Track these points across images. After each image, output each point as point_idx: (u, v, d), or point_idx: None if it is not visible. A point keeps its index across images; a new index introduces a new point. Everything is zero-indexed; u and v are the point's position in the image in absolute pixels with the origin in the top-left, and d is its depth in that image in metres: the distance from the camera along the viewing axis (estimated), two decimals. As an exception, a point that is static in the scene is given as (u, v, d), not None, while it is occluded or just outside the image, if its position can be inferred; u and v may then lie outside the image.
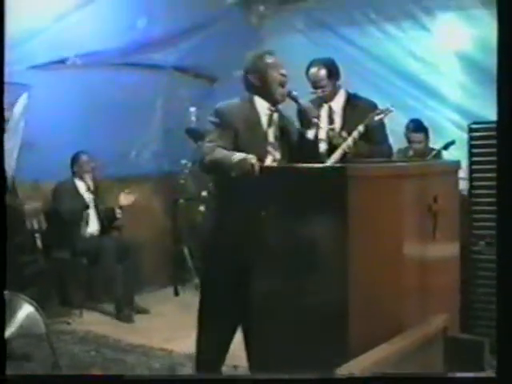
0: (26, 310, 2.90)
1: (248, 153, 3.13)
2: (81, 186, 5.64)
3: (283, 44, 6.44)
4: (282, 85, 3.32)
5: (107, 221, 5.60)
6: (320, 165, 3.05)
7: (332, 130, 4.13)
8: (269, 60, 3.33)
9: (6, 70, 5.08)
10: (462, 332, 3.79)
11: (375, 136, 4.06)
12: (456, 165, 3.30)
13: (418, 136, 5.41)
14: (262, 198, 3.00)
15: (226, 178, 3.12)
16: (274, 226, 2.97)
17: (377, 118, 3.91)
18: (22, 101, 5.38)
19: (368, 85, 5.79)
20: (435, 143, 5.51)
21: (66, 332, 4.92)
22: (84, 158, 5.63)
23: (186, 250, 6.07)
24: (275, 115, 3.37)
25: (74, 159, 5.65)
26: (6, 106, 5.23)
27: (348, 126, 4.03)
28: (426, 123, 5.64)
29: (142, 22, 5.83)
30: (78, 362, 4.32)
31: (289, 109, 3.54)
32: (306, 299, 2.88)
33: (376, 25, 6.22)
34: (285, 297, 2.94)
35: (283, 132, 3.39)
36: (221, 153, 3.17)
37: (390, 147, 4.29)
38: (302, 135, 3.37)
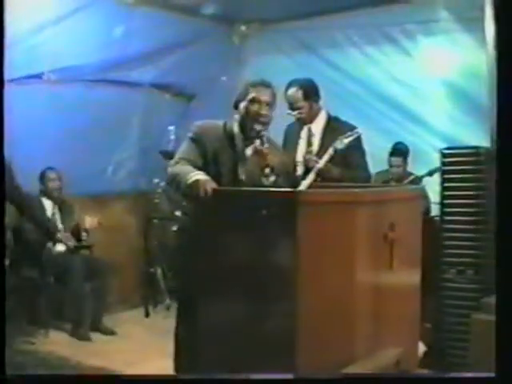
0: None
1: (216, 178, 3.08)
2: (47, 203, 5.54)
3: (265, 64, 6.42)
4: (261, 122, 3.21)
5: (75, 240, 5.48)
6: (271, 189, 2.96)
7: (309, 152, 4.05)
8: (252, 94, 3.23)
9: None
10: (425, 365, 3.73)
11: (351, 160, 3.99)
12: (417, 191, 3.23)
13: (397, 160, 5.36)
14: (217, 222, 2.93)
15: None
16: (224, 250, 2.90)
17: (346, 140, 3.84)
18: (-5, 115, 5.33)
19: (349, 108, 5.74)
20: (416, 168, 5.45)
21: (28, 352, 4.80)
22: (51, 175, 5.52)
23: (159, 271, 5.97)
24: (247, 151, 3.29)
25: (41, 176, 5.54)
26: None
27: (326, 149, 3.95)
28: (406, 148, 5.59)
29: (119, 39, 5.80)
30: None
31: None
32: (254, 327, 2.80)
33: (358, 47, 6.19)
34: (232, 322, 2.87)
35: (250, 170, 3.27)
36: (181, 168, 3.13)
37: (367, 173, 4.19)
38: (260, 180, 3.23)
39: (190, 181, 2.97)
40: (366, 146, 4.12)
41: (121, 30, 5.82)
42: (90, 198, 5.89)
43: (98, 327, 5.30)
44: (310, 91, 4.10)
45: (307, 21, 6.29)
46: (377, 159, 5.57)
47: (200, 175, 3.00)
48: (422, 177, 5.08)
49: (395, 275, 2.90)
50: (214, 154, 3.25)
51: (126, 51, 5.90)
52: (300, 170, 4.05)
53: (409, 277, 3.05)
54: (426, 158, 5.62)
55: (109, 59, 5.81)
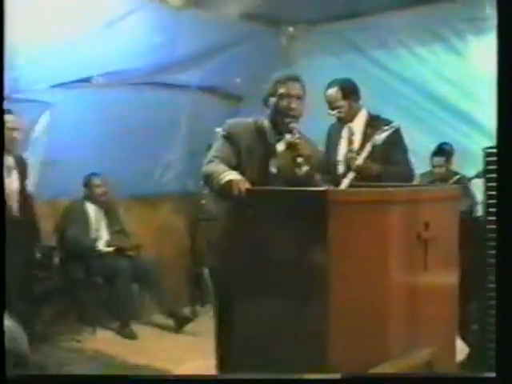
0: (7, 328, 2.84)
1: (248, 178, 3.10)
2: (91, 207, 5.65)
3: (313, 65, 6.41)
4: (291, 116, 3.21)
5: (122, 241, 5.58)
6: (302, 188, 2.95)
7: (350, 151, 4.05)
8: (281, 89, 3.22)
9: (30, 88, 5.24)
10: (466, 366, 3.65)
11: (391, 156, 3.97)
12: (455, 190, 3.17)
13: (438, 160, 5.29)
14: (249, 221, 2.95)
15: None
16: (257, 250, 2.91)
17: (383, 134, 3.81)
18: (45, 118, 5.48)
19: (397, 108, 5.71)
20: (466, 169, 5.35)
21: (74, 350, 4.91)
22: (96, 181, 5.64)
23: (206, 271, 5.99)
24: (280, 145, 3.30)
25: (86, 182, 5.66)
26: (28, 123, 5.36)
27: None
28: (454, 148, 5.50)
29: (167, 42, 5.88)
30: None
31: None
32: (288, 327, 2.80)
33: (406, 47, 6.11)
34: (266, 322, 2.87)
35: (283, 164, 3.28)
36: (214, 168, 3.13)
37: (408, 169, 4.17)
38: (293, 171, 3.23)
39: (224, 181, 2.98)
40: (414, 146, 4.09)
41: (168, 33, 5.91)
42: (138, 199, 5.99)
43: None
44: (349, 90, 4.12)
45: (354, 21, 6.25)
46: (426, 160, 5.54)
47: (233, 175, 3.00)
48: (471, 178, 4.98)
49: (429, 275, 2.85)
50: (247, 151, 3.25)
51: (174, 54, 5.97)
52: (341, 170, 4.04)
53: (444, 277, 2.99)
54: (475, 158, 5.52)
55: (157, 62, 5.88)
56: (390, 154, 3.96)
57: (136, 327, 5.37)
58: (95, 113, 5.62)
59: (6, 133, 4.33)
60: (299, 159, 3.07)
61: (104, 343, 5.07)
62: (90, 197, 5.66)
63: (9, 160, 4.39)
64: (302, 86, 3.28)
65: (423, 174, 5.26)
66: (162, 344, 5.09)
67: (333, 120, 4.30)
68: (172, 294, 5.59)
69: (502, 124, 1.94)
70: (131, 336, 5.24)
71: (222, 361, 3.38)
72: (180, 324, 5.42)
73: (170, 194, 6.21)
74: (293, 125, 3.19)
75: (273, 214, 2.88)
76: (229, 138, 3.29)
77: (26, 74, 5.18)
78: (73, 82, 5.51)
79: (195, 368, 4.24)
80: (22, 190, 4.50)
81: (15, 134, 4.44)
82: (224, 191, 2.98)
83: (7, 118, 4.36)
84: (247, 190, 2.93)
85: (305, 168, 3.07)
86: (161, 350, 4.91)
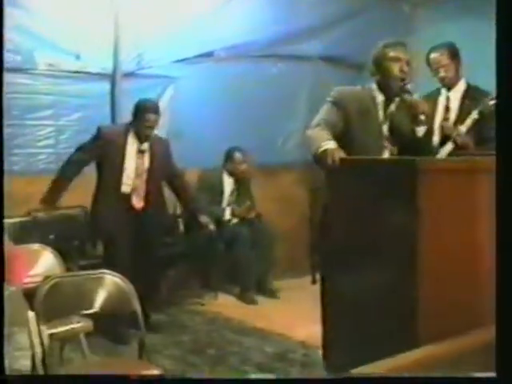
0: (115, 286, 3.08)
1: (360, 143, 3.17)
2: (228, 181, 5.82)
3: (436, 33, 6.25)
4: (401, 79, 3.26)
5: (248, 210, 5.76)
6: (392, 157, 2.97)
7: (446, 119, 3.99)
8: (391, 53, 3.28)
9: (154, 63, 5.51)
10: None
11: (486, 133, 3.81)
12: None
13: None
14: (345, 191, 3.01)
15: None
16: (347, 220, 2.97)
17: (492, 102, 3.71)
18: (169, 92, 5.74)
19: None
20: None
21: (197, 312, 5.18)
22: (238, 156, 5.76)
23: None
24: (391, 108, 3.33)
25: (228, 156, 5.78)
26: (154, 97, 5.63)
27: (463, 117, 3.87)
28: None
29: (287, 13, 5.97)
30: (197, 340, 4.55)
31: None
32: (375, 295, 2.85)
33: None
34: (355, 293, 2.94)
35: (397, 126, 3.33)
36: (316, 134, 3.20)
37: None
38: (413, 131, 3.28)
39: (320, 150, 3.05)
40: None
41: (288, 4, 6.00)
42: (260, 168, 6.13)
43: (265, 290, 5.59)
44: (456, 53, 4.09)
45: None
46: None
47: (330, 144, 3.05)
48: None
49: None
50: (358, 115, 3.30)
51: (294, 25, 6.06)
52: (436, 139, 3.98)
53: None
54: None
55: (277, 34, 6.00)
56: (486, 130, 3.81)
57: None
58: (217, 86, 5.82)
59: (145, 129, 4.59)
60: (421, 116, 3.12)
61: (225, 307, 5.29)
62: (230, 171, 5.80)
63: (144, 145, 4.65)
64: (408, 52, 3.31)
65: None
66: (279, 310, 5.23)
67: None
68: (289, 263, 5.73)
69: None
70: (251, 301, 5.43)
71: (327, 330, 3.46)
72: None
73: (291, 163, 6.31)
74: (407, 86, 3.23)
75: (365, 182, 2.91)
76: (336, 103, 3.35)
77: (150, 50, 5.47)
78: (195, 56, 5.74)
79: (308, 335, 4.35)
80: (151, 168, 4.73)
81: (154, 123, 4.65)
82: (319, 160, 3.05)
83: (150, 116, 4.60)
84: (341, 159, 2.98)
85: (423, 127, 3.13)
86: (277, 315, 5.07)
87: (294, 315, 5.00)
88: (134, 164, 4.61)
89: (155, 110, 4.65)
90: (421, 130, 3.21)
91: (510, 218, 1.76)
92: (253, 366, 4.10)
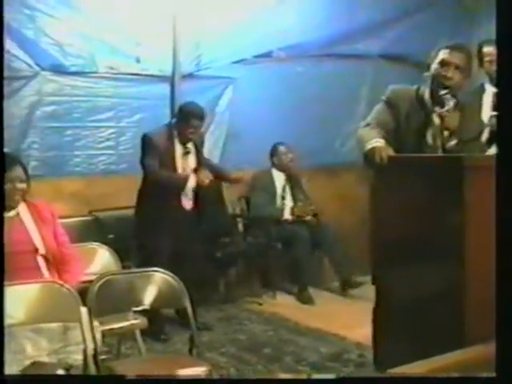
0: (166, 284, 3.12)
1: (405, 143, 3.13)
2: (277, 176, 5.84)
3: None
4: (446, 86, 3.14)
5: (305, 209, 5.76)
6: (438, 155, 2.93)
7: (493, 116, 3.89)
8: (441, 56, 3.17)
9: (213, 64, 5.57)
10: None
11: None
12: None
13: None
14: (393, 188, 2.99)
15: None
16: (395, 218, 2.95)
17: None
18: (228, 93, 5.78)
19: None
20: None
21: (254, 311, 5.19)
22: (282, 149, 5.81)
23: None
24: (435, 115, 3.25)
25: (273, 150, 5.85)
26: (212, 98, 5.69)
27: None
28: None
29: (345, 12, 5.93)
30: (253, 340, 4.56)
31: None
32: (425, 292, 2.82)
33: None
34: (405, 291, 2.91)
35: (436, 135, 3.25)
36: (366, 133, 3.20)
37: None
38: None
39: (368, 148, 3.03)
40: None
41: (346, 2, 5.96)
42: (320, 169, 6.11)
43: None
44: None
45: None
46: None
47: (378, 142, 3.03)
48: None
49: None
50: (406, 118, 3.26)
51: (352, 23, 6.02)
52: (485, 135, 3.86)
53: None
54: None
55: (335, 33, 5.97)
56: None
57: (313, 292, 5.53)
58: (276, 86, 5.83)
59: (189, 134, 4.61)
60: (445, 133, 3.04)
61: (282, 307, 5.29)
62: (277, 165, 5.85)
63: (188, 147, 4.69)
64: (467, 58, 3.20)
65: None
66: (337, 310, 5.20)
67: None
68: (350, 261, 5.67)
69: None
70: (309, 301, 5.41)
71: (378, 329, 3.42)
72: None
73: (350, 163, 6.25)
74: (446, 96, 3.12)
75: (413, 180, 2.89)
76: (389, 103, 3.32)
77: (208, 51, 5.52)
78: (253, 57, 5.77)
79: (365, 335, 4.30)
80: (199, 166, 4.75)
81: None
82: (368, 158, 3.03)
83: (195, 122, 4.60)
84: (389, 157, 2.96)
85: (452, 142, 3.06)
86: (334, 315, 5.04)
87: (353, 315, 4.97)
88: (180, 166, 4.64)
89: (201, 115, 4.63)
90: (450, 144, 3.09)
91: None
92: (307, 365, 4.09)
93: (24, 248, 3.04)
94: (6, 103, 4.79)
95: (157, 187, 4.53)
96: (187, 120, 4.56)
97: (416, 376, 1.45)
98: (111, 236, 4.80)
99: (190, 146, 4.68)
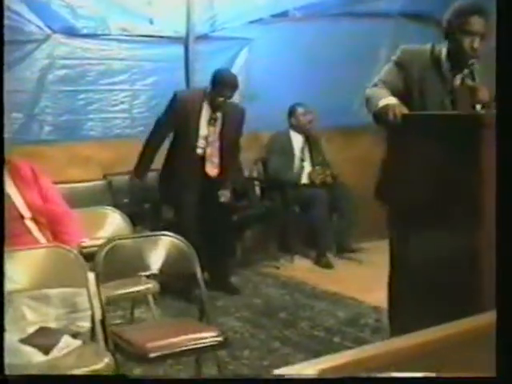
0: (175, 248, 3.07)
1: (423, 105, 3.02)
2: (295, 137, 5.74)
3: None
4: (470, 56, 2.96)
5: (323, 172, 5.66)
6: (456, 112, 2.82)
7: None
8: (463, 24, 2.94)
9: (228, 25, 5.45)
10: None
11: None
12: None
13: None
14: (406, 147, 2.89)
15: None
16: (409, 179, 2.86)
17: None
18: (243, 54, 5.67)
19: None
20: None
21: (270, 275, 5.15)
22: (301, 110, 5.70)
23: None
24: (456, 81, 3.08)
25: (291, 111, 5.73)
26: (228, 59, 5.59)
27: None
28: None
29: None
30: (269, 304, 4.52)
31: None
32: (438, 254, 2.74)
33: None
34: (420, 254, 2.84)
35: (459, 106, 3.11)
36: (375, 91, 3.07)
37: None
38: None
39: (380, 105, 2.92)
40: None
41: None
42: (338, 130, 6.01)
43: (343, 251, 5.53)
44: None
45: None
46: None
47: (391, 100, 2.93)
48: None
49: None
50: (419, 79, 3.12)
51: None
52: None
53: None
54: None
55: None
56: None
57: (331, 257, 5.48)
58: (293, 47, 5.70)
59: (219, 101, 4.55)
60: (478, 107, 2.89)
61: (299, 271, 5.25)
62: (295, 126, 5.75)
63: (217, 114, 4.63)
64: (487, 22, 2.99)
65: None
66: (353, 274, 5.14)
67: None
68: (369, 225, 5.59)
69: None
70: (327, 265, 5.35)
71: (393, 294, 3.35)
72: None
73: (369, 125, 6.13)
74: (474, 66, 2.97)
75: (428, 139, 2.79)
76: (400, 63, 3.17)
77: (223, 12, 5.41)
78: (269, 17, 5.64)
79: (382, 300, 4.25)
80: (223, 136, 4.72)
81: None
82: (380, 116, 2.93)
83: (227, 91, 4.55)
84: (403, 115, 2.85)
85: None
86: (351, 279, 4.99)
87: (370, 279, 4.90)
88: (206, 131, 4.60)
89: (233, 84, 4.62)
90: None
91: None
92: (323, 330, 4.05)
93: (7, 215, 2.75)
94: (17, 67, 4.78)
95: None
96: (221, 88, 4.53)
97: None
98: (126, 200, 4.77)
99: (218, 114, 4.63)
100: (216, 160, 4.69)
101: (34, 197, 3.02)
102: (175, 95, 4.60)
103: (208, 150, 4.65)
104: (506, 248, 1.59)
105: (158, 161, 4.70)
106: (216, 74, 4.64)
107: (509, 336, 1.44)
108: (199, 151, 4.65)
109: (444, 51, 3.09)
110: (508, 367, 1.39)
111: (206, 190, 4.66)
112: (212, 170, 4.69)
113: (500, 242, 1.63)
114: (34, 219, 3.00)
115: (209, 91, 4.61)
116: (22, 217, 2.97)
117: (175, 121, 4.60)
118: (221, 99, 4.56)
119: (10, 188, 2.97)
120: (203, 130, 4.63)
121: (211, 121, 4.64)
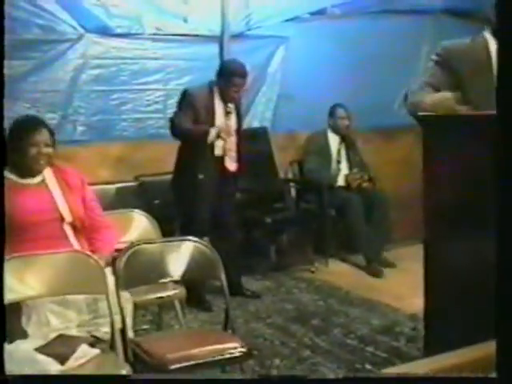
0: (199, 253, 2.98)
1: (477, 101, 2.86)
2: (333, 138, 5.61)
3: None
4: None
5: (361, 174, 5.52)
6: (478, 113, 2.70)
7: None
8: None
9: (264, 23, 5.35)
10: None
11: None
12: None
13: None
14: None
15: None
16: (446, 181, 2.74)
17: None
18: (280, 53, 5.56)
19: None
20: None
21: (304, 279, 5.03)
22: (340, 111, 5.56)
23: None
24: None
25: (331, 112, 5.59)
26: (264, 58, 5.48)
27: None
28: None
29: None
30: (302, 310, 4.41)
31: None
32: (477, 260, 2.61)
33: None
34: (457, 260, 2.72)
35: None
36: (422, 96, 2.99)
37: None
38: None
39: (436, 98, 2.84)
40: None
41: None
42: (376, 131, 5.87)
43: (379, 261, 5.32)
44: None
45: None
46: None
47: (446, 95, 2.83)
48: None
49: None
50: (470, 74, 2.96)
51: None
52: None
53: None
54: None
55: (394, -13, 5.67)
56: None
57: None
58: (331, 45, 5.57)
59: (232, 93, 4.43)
60: None
61: (334, 275, 5.11)
62: (334, 127, 5.61)
63: (230, 107, 4.51)
64: None
65: None
66: (392, 280, 4.99)
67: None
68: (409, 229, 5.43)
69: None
70: (377, 273, 5.13)
71: (429, 301, 3.22)
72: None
73: (408, 126, 5.97)
74: None
75: (469, 140, 2.66)
76: (442, 64, 3.02)
77: (258, 10, 5.31)
78: (306, 14, 5.52)
79: (420, 307, 4.12)
80: (239, 128, 4.61)
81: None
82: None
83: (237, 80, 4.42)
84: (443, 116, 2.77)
85: None
86: (389, 285, 4.85)
87: (407, 286, 4.76)
88: (222, 125, 4.46)
89: (243, 73, 4.45)
90: None
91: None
92: (356, 338, 3.92)
93: (49, 216, 2.87)
94: (50, 67, 4.75)
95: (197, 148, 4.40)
96: (229, 78, 4.38)
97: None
98: (157, 202, 4.70)
99: (231, 106, 4.50)
100: (234, 154, 4.56)
101: (77, 203, 3.00)
102: (186, 91, 4.45)
103: (226, 145, 4.50)
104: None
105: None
106: (225, 64, 4.55)
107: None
108: (217, 148, 4.47)
109: (488, 34, 2.93)
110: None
111: (225, 185, 4.52)
112: (231, 165, 4.54)
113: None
114: (73, 224, 2.96)
115: (218, 83, 4.44)
116: (63, 220, 2.93)
117: (192, 117, 4.40)
118: (234, 89, 4.41)
119: (55, 190, 2.97)
120: (219, 124, 4.45)
121: (226, 114, 4.48)
